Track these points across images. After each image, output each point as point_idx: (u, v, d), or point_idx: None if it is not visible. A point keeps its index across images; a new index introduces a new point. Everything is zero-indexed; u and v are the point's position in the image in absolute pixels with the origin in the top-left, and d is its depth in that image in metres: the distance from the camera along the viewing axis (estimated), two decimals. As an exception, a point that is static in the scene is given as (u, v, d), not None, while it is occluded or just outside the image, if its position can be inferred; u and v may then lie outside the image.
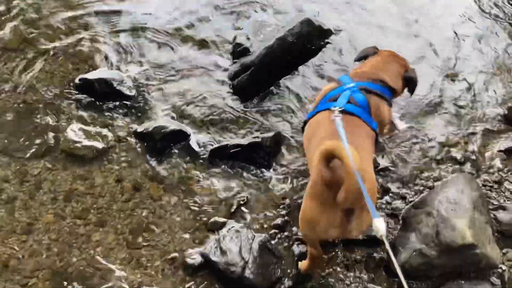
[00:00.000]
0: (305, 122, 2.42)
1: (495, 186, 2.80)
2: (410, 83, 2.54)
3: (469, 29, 3.71)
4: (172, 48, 3.47)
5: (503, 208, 2.68)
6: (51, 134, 2.93)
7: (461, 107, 3.21)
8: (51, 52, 3.38)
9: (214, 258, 2.40)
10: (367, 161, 2.07)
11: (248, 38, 3.26)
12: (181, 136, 2.90)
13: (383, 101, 2.37)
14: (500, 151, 2.96)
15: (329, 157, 1.84)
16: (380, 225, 1.68)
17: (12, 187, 2.70)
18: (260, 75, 3.10)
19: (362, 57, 2.62)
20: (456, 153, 2.94)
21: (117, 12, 3.70)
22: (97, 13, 3.69)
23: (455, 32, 3.66)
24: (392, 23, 3.71)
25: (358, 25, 3.67)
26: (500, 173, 2.86)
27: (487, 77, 3.41)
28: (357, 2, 3.85)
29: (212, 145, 2.89)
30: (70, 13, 3.67)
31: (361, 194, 1.78)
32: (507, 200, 2.74)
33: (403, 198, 2.71)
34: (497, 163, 2.91)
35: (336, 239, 2.43)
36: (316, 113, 2.32)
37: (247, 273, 2.32)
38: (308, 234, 2.15)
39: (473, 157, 2.93)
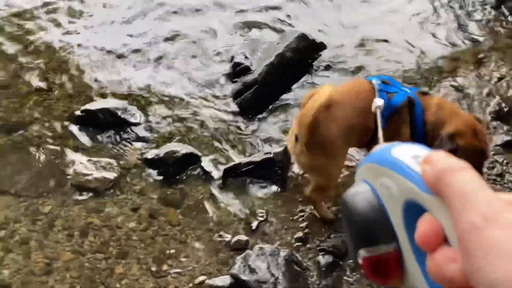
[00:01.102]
0: None
1: (498, 179, 2.94)
2: None
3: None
4: (173, 69, 3.48)
5: (509, 199, 2.82)
6: (58, 169, 2.86)
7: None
8: (47, 86, 3.32)
9: (244, 277, 2.38)
10: None
11: (246, 57, 3.30)
12: (193, 159, 2.89)
13: None
14: (497, 145, 3.11)
15: None
16: (378, 100, 2.08)
17: (24, 227, 2.60)
18: (263, 91, 3.14)
19: None
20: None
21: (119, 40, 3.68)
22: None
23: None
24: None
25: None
26: (501, 166, 3.00)
27: (472, 73, 3.59)
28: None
29: (224, 165, 2.90)
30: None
31: (306, 131, 2.26)
32: (511, 191, 2.88)
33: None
34: (496, 157, 3.05)
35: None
36: None
37: (280, 288, 2.33)
38: None
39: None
